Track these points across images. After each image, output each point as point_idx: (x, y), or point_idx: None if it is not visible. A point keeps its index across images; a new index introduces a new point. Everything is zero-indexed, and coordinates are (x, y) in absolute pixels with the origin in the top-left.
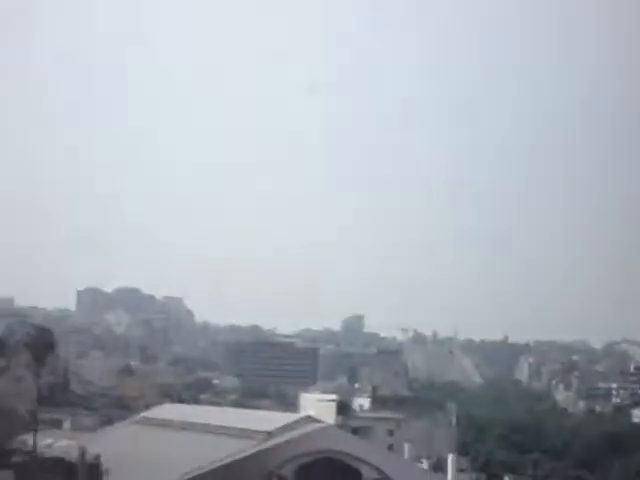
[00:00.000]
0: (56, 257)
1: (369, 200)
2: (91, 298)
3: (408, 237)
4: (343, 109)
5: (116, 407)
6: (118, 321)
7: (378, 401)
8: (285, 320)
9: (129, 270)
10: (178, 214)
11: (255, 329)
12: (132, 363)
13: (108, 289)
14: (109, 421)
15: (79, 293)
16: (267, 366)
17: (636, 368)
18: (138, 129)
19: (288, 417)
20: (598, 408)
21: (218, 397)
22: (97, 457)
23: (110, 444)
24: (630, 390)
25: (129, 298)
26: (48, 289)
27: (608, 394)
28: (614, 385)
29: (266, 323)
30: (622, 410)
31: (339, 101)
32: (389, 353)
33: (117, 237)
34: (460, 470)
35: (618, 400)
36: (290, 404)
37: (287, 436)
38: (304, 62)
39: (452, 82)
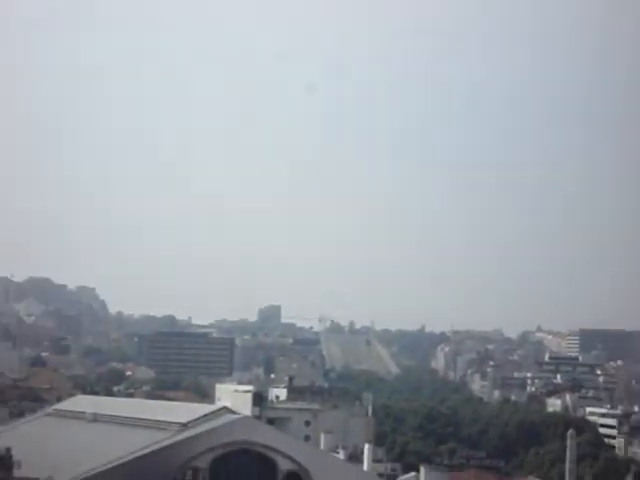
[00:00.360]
0: None
1: (289, 186)
2: (1, 287)
3: (325, 227)
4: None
5: (27, 399)
6: (29, 311)
7: (294, 392)
8: (200, 310)
9: (40, 259)
10: (91, 201)
11: (170, 319)
12: (43, 354)
13: (18, 279)
14: (20, 414)
15: None
16: (182, 357)
17: (551, 357)
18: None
19: (203, 408)
20: (513, 397)
21: (131, 388)
22: (7, 449)
23: (21, 437)
24: (545, 379)
25: (40, 288)
26: None
27: (523, 383)
28: (529, 374)
29: (181, 313)
30: (537, 399)
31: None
32: (306, 343)
33: (27, 225)
34: (376, 460)
35: (533, 389)
36: (205, 395)
37: (202, 427)
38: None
39: None
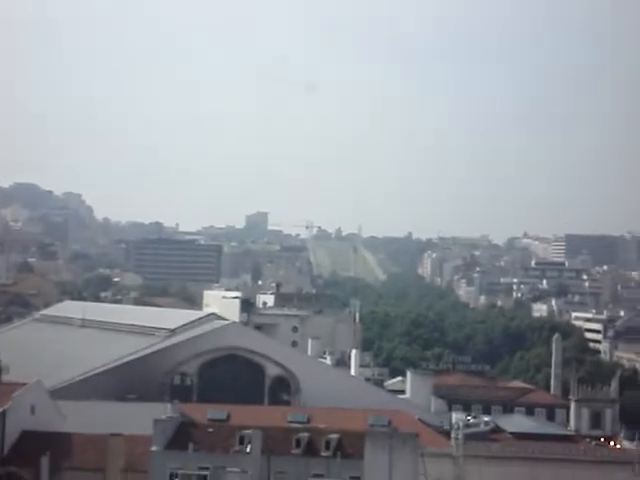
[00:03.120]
0: None
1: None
2: None
3: (315, 133)
4: None
5: (15, 305)
6: (15, 217)
7: (282, 298)
8: (188, 217)
9: (27, 164)
10: (80, 103)
11: (157, 226)
12: (30, 260)
13: (4, 184)
14: (8, 319)
15: None
16: (169, 263)
17: (537, 263)
18: None
19: (191, 314)
20: (499, 303)
21: (119, 295)
22: None
23: (9, 341)
24: (531, 285)
25: (27, 193)
26: None
27: (509, 289)
28: (515, 280)
29: (168, 220)
30: (523, 304)
31: None
32: (293, 250)
33: (14, 130)
34: (363, 365)
35: (519, 295)
36: (193, 302)
37: (190, 333)
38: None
39: None
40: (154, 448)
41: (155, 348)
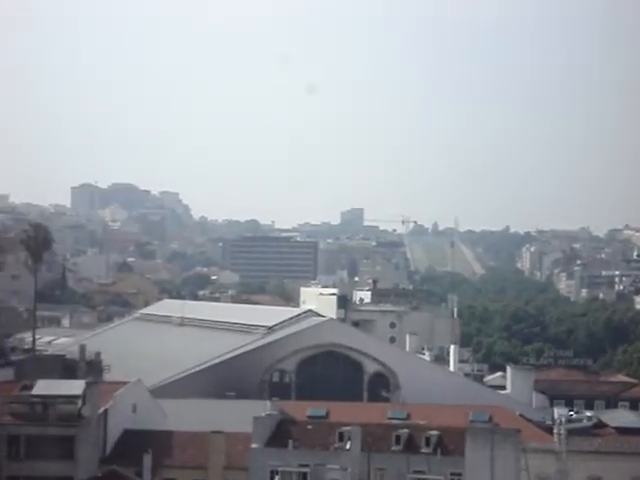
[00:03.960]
0: (51, 153)
1: (369, 92)
2: (86, 194)
3: (408, 130)
4: None
5: (115, 304)
6: (114, 217)
7: (378, 294)
8: (284, 214)
9: (124, 165)
10: (175, 108)
11: (253, 224)
12: (129, 259)
13: (103, 185)
14: (108, 318)
15: (74, 189)
16: (266, 261)
17: (639, 255)
18: None
19: (289, 312)
20: (601, 296)
21: (217, 293)
22: (97, 354)
23: (110, 341)
24: (633, 277)
25: (125, 194)
26: (43, 185)
27: (611, 282)
28: (617, 272)
29: (264, 217)
30: (625, 297)
31: None
32: (389, 246)
33: (112, 132)
34: (462, 361)
35: (621, 287)
36: (290, 299)
37: (288, 330)
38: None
39: None
40: (254, 445)
41: (253, 346)
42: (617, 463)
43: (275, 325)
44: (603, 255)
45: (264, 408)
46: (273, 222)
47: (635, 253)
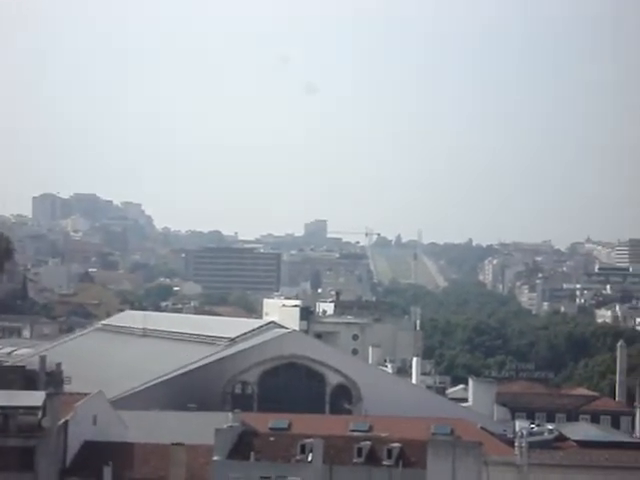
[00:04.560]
0: (11, 162)
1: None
2: (48, 204)
3: (373, 140)
4: None
5: (76, 315)
6: (75, 227)
7: (342, 306)
8: (247, 226)
9: (86, 175)
10: (138, 117)
11: (216, 235)
12: (91, 270)
13: (65, 195)
14: (69, 329)
15: (35, 199)
16: (229, 272)
17: (600, 268)
18: None
19: (251, 323)
20: (562, 309)
21: (179, 304)
22: (58, 365)
23: (71, 352)
24: (594, 290)
25: (87, 204)
26: (3, 195)
27: (572, 295)
28: (578, 286)
29: (227, 229)
30: (586, 310)
31: None
32: (353, 257)
33: (74, 142)
34: (424, 373)
35: (582, 301)
36: (253, 310)
37: (251, 342)
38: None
39: None
40: (216, 458)
41: (216, 357)
42: (578, 476)
43: (237, 337)
44: (565, 268)
45: (226, 420)
46: (236, 233)
47: (597, 267)
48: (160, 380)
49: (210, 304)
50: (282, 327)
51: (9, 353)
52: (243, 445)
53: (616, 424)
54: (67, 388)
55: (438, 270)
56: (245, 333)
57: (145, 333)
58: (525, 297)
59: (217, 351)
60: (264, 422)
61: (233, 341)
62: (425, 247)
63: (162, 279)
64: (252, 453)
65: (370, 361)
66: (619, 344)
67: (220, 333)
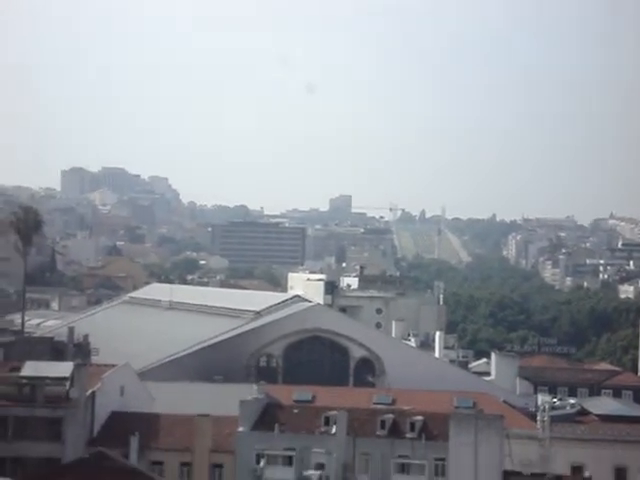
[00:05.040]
0: (41, 136)
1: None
2: (76, 178)
3: (393, 117)
4: None
5: (104, 287)
6: (103, 201)
7: (366, 280)
8: (273, 200)
9: (115, 149)
10: (167, 95)
11: (242, 209)
12: (119, 243)
13: (93, 169)
14: (97, 301)
15: (64, 173)
16: (255, 246)
17: (624, 244)
18: None
19: (276, 297)
20: (585, 284)
21: (205, 277)
22: (85, 337)
23: (98, 324)
24: (617, 266)
25: (115, 178)
26: (32, 168)
27: (595, 270)
28: (601, 261)
29: (253, 203)
30: (609, 286)
31: None
32: (377, 233)
33: (103, 116)
34: (447, 347)
35: (605, 276)
36: (278, 284)
37: (275, 315)
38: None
39: None
40: (241, 429)
41: (241, 330)
42: (599, 450)
43: (263, 310)
44: (588, 244)
45: (251, 392)
46: (262, 208)
47: (620, 242)
48: (186, 352)
49: (236, 278)
50: (307, 301)
51: (38, 325)
52: (267, 417)
53: (638, 399)
54: (94, 359)
55: (462, 245)
56: (270, 306)
57: (171, 306)
58: (548, 272)
59: (242, 324)
60: (288, 394)
61: (258, 314)
62: (449, 222)
63: (188, 253)
64: (276, 425)
65: (393, 335)
66: None
67: (245, 306)
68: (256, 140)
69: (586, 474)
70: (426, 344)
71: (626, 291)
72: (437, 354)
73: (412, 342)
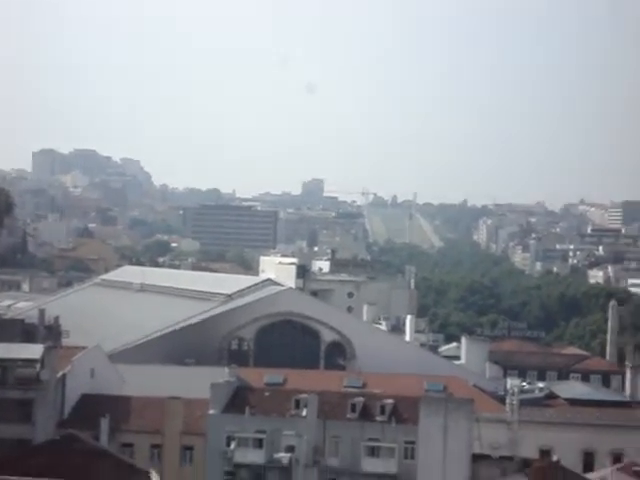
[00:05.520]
0: (12, 117)
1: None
2: (47, 160)
3: (367, 99)
4: None
5: (75, 269)
6: (75, 183)
7: (337, 264)
8: (244, 183)
9: (86, 131)
10: (139, 76)
11: (214, 192)
12: (90, 225)
13: (64, 150)
14: (68, 283)
15: (35, 154)
16: (226, 229)
17: (593, 230)
18: None
19: (248, 280)
20: (555, 269)
21: (177, 260)
22: (56, 319)
23: (69, 306)
24: (587, 251)
25: (86, 160)
26: (3, 150)
27: (565, 256)
28: (571, 247)
29: (225, 186)
30: (579, 271)
31: None
32: (348, 217)
33: (74, 97)
34: (418, 331)
35: (575, 261)
36: (249, 267)
37: (247, 299)
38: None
39: None
40: (211, 411)
41: (212, 313)
42: (568, 434)
43: (234, 293)
44: (558, 229)
45: (222, 375)
46: (234, 191)
47: (589, 228)
48: (157, 335)
49: (207, 261)
50: (278, 284)
51: (8, 306)
52: (238, 399)
53: (606, 383)
54: (65, 341)
55: (433, 230)
56: (242, 290)
57: (143, 288)
58: (518, 257)
59: (214, 307)
60: (259, 377)
61: (230, 297)
62: (420, 207)
63: (160, 235)
64: (247, 408)
65: (365, 319)
66: (611, 304)
67: (217, 289)
68: (228, 124)
69: (554, 457)
70: (397, 328)
71: (595, 276)
72: (408, 338)
73: (383, 326)
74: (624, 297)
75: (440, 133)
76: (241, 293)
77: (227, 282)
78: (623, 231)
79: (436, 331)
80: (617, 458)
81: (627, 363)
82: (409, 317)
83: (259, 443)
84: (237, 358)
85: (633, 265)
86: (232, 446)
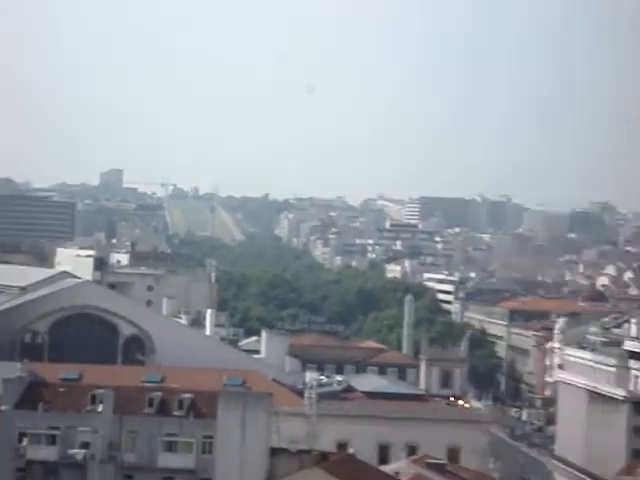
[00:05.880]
0: None
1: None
2: None
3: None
4: None
5: None
6: None
7: (137, 257)
8: (40, 174)
9: None
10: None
11: (8, 182)
12: None
13: None
14: None
15: None
16: (22, 220)
17: (391, 225)
18: None
19: (43, 272)
20: (354, 264)
21: None
22: None
23: None
24: (385, 246)
25: None
26: None
27: (364, 250)
28: (370, 241)
29: (20, 176)
30: (377, 266)
31: None
32: (148, 209)
33: None
34: (218, 325)
35: (374, 256)
36: (45, 259)
37: (42, 291)
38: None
39: None
40: (3, 407)
41: (5, 306)
42: (364, 427)
43: (29, 286)
44: (358, 224)
45: (15, 370)
46: (29, 181)
47: (388, 223)
48: None
49: (2, 252)
50: (75, 277)
51: None
52: (31, 395)
53: (403, 376)
54: None
55: (235, 223)
56: (37, 282)
57: None
58: (319, 251)
59: (7, 300)
60: (55, 372)
61: (24, 290)
62: (222, 200)
63: None
64: (41, 403)
65: (164, 312)
66: (407, 298)
67: (11, 282)
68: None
69: (350, 450)
70: (197, 322)
71: (393, 270)
72: (208, 332)
73: (183, 320)
74: (420, 291)
75: (242, 127)
76: (36, 286)
77: (21, 274)
78: (420, 226)
79: (236, 325)
80: (412, 450)
81: (421, 356)
82: (209, 311)
83: (52, 439)
84: (31, 352)
85: (429, 260)
86: (24, 442)
